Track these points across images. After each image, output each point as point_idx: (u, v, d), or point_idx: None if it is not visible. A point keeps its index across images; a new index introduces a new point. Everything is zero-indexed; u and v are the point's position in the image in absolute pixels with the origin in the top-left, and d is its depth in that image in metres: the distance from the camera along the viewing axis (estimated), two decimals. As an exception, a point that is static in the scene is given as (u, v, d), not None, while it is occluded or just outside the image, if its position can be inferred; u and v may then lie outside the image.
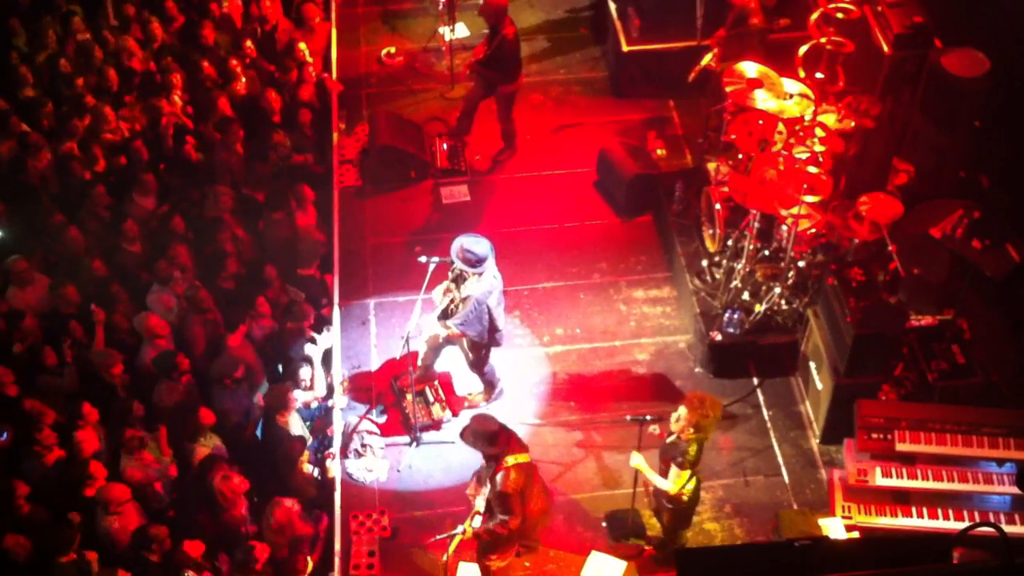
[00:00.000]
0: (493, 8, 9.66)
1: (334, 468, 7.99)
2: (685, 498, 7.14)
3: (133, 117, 9.94)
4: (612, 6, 11.26)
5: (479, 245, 7.77)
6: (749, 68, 8.53)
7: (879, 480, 7.57)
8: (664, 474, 7.09)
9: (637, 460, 7.19)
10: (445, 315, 8.01)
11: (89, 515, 7.18)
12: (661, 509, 7.50)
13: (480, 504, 6.98)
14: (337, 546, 7.71)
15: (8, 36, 10.37)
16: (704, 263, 9.25)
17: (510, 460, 6.74)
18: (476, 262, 7.71)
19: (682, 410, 6.88)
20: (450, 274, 8.07)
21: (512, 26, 9.75)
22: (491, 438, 6.74)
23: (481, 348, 8.17)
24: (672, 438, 7.02)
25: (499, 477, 6.74)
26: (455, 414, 8.54)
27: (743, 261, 8.77)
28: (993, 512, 7.51)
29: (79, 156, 9.39)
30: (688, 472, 6.97)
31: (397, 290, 9.54)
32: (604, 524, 8.00)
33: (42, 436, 7.37)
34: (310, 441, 8.15)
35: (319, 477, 8.01)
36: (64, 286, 8.30)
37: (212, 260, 8.89)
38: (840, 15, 8.48)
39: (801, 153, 8.28)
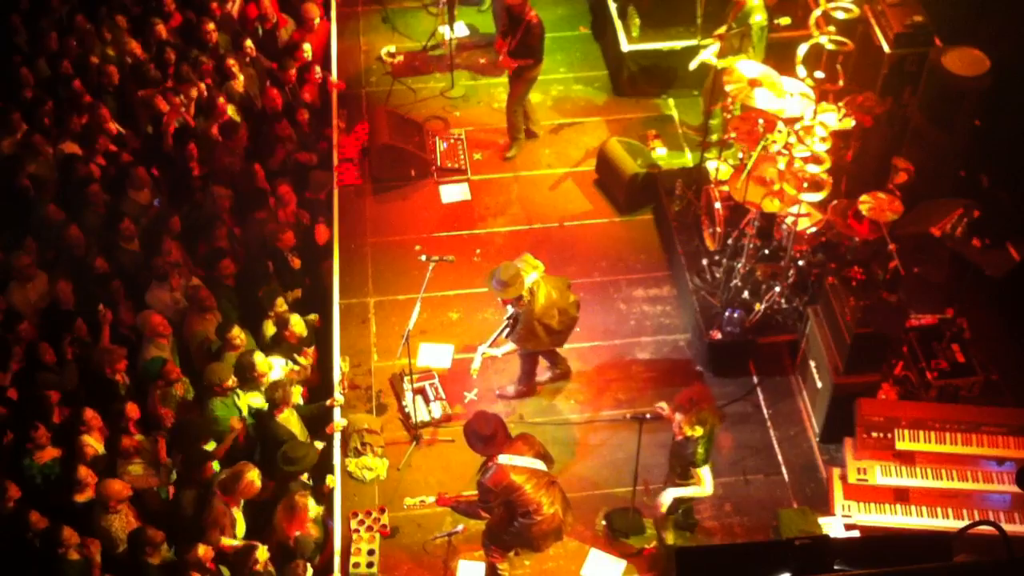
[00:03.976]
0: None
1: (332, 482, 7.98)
2: None
3: (133, 115, 9.95)
4: (612, 5, 11.27)
5: (504, 271, 7.80)
6: (749, 67, 8.53)
7: (879, 479, 7.58)
8: (684, 475, 7.13)
9: (669, 497, 7.19)
10: (510, 333, 8.16)
11: (85, 516, 7.16)
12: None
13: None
14: (337, 545, 7.71)
15: (9, 34, 10.37)
16: (704, 262, 9.25)
17: (502, 459, 6.84)
18: (501, 287, 7.77)
19: (678, 416, 6.94)
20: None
21: (533, 9, 9.76)
22: (485, 440, 6.87)
23: (535, 357, 8.41)
24: (680, 439, 7.06)
25: (485, 470, 6.92)
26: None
27: (743, 260, 8.78)
28: (993, 510, 7.52)
29: (79, 155, 9.38)
30: (705, 468, 7.04)
31: (397, 289, 9.56)
32: (604, 523, 8.01)
33: (37, 435, 7.36)
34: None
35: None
36: (59, 283, 8.28)
37: (210, 259, 8.87)
38: (841, 14, 8.50)
39: (801, 152, 8.29)
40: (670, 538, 7.67)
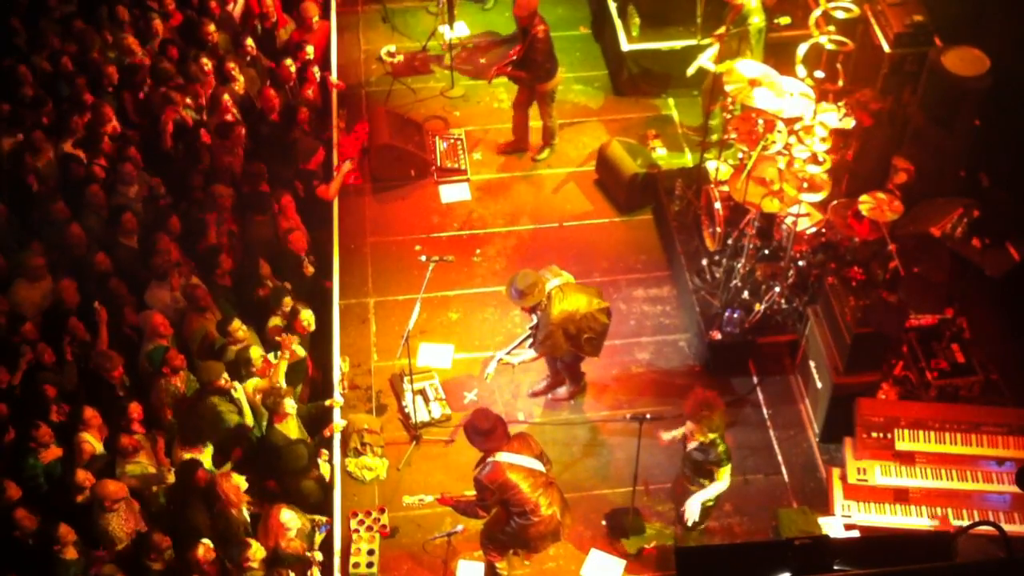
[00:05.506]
0: (528, 10, 9.58)
1: (325, 471, 7.98)
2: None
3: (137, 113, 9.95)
4: (612, 5, 11.27)
5: (521, 279, 7.73)
6: (749, 67, 8.53)
7: (878, 479, 7.58)
8: (707, 476, 7.15)
9: (696, 505, 7.19)
10: (532, 341, 8.11)
11: (85, 516, 7.16)
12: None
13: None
14: (337, 545, 7.71)
15: (9, 36, 10.36)
16: (704, 262, 9.25)
17: (499, 456, 6.84)
18: (519, 296, 7.72)
19: (689, 424, 6.99)
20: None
21: (543, 24, 9.69)
22: (484, 434, 6.87)
23: (575, 362, 8.37)
24: (694, 444, 7.08)
25: (481, 467, 6.91)
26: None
27: (743, 260, 8.77)
28: (993, 511, 7.52)
29: (79, 155, 9.38)
30: (729, 465, 7.09)
31: (397, 289, 9.56)
32: (604, 523, 8.01)
33: (39, 434, 7.36)
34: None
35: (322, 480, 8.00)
36: (63, 282, 8.29)
37: (206, 257, 8.86)
38: (841, 14, 8.50)
39: (801, 152, 8.30)
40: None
